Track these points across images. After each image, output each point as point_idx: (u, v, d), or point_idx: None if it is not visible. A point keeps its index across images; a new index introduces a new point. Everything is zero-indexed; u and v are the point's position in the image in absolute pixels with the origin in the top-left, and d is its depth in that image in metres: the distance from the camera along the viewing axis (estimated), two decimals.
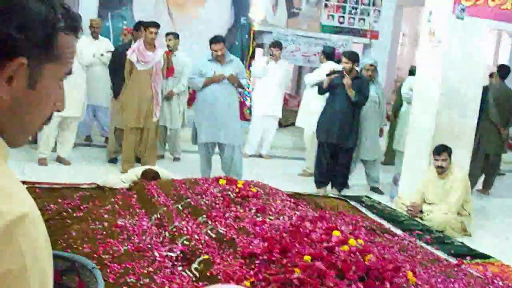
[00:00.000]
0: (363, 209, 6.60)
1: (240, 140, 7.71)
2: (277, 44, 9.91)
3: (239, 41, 13.07)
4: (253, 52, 12.47)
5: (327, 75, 7.87)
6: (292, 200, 5.80)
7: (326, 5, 13.26)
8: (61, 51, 1.21)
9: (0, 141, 1.16)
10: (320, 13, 13.26)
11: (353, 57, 7.83)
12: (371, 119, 8.36)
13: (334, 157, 7.90)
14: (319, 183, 7.99)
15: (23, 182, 5.69)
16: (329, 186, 7.99)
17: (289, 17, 13.15)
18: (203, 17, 12.71)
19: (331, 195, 7.39)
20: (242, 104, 10.77)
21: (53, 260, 2.36)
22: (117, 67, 8.09)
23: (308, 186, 8.05)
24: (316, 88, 8.42)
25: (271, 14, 13.06)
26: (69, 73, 1.26)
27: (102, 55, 9.02)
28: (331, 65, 8.82)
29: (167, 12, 12.77)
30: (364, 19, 13.44)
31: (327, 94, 8.05)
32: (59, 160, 8.20)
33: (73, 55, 1.26)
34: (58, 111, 1.28)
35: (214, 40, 7.44)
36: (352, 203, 6.75)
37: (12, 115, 1.16)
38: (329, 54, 9.17)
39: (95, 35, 9.38)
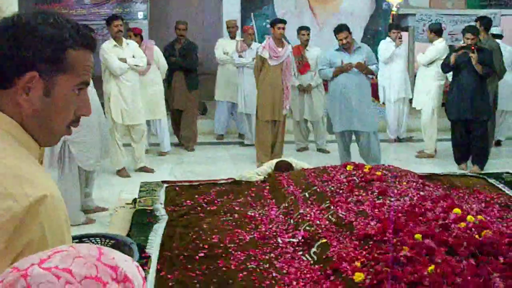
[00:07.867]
0: (500, 186, 6.33)
1: (375, 126, 7.69)
2: (399, 27, 9.78)
3: (382, 27, 12.96)
4: None
5: (455, 51, 7.73)
6: (421, 181, 5.71)
7: None
8: (71, 64, 1.41)
9: (29, 140, 1.40)
10: None
11: (476, 31, 7.76)
12: None
13: (468, 133, 7.85)
14: (458, 160, 8.04)
15: (165, 182, 6.16)
16: (470, 163, 7.95)
17: None
18: (345, 9, 12.76)
19: (469, 173, 7.17)
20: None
21: (100, 239, 2.64)
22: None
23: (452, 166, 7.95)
24: (431, 67, 8.48)
25: None
26: (86, 83, 1.47)
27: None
28: (443, 43, 8.67)
29: (308, 6, 12.95)
30: None
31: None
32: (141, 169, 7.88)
33: (88, 68, 1.46)
34: (84, 115, 1.49)
35: (338, 29, 7.51)
36: (491, 180, 6.50)
37: (36, 120, 1.40)
38: (437, 30, 8.81)
39: (231, 36, 9.85)
